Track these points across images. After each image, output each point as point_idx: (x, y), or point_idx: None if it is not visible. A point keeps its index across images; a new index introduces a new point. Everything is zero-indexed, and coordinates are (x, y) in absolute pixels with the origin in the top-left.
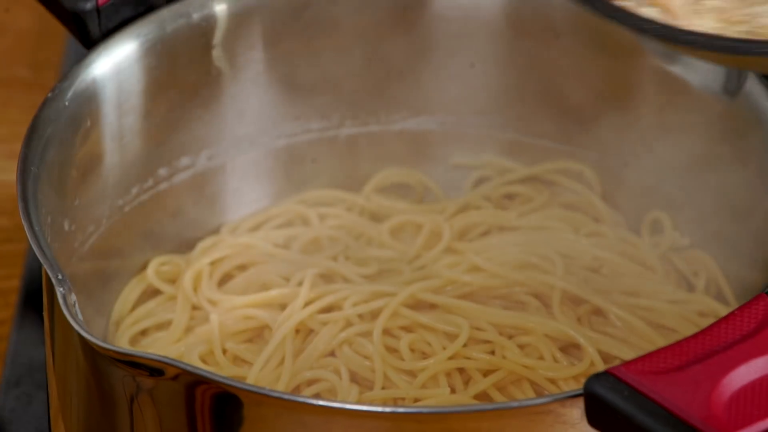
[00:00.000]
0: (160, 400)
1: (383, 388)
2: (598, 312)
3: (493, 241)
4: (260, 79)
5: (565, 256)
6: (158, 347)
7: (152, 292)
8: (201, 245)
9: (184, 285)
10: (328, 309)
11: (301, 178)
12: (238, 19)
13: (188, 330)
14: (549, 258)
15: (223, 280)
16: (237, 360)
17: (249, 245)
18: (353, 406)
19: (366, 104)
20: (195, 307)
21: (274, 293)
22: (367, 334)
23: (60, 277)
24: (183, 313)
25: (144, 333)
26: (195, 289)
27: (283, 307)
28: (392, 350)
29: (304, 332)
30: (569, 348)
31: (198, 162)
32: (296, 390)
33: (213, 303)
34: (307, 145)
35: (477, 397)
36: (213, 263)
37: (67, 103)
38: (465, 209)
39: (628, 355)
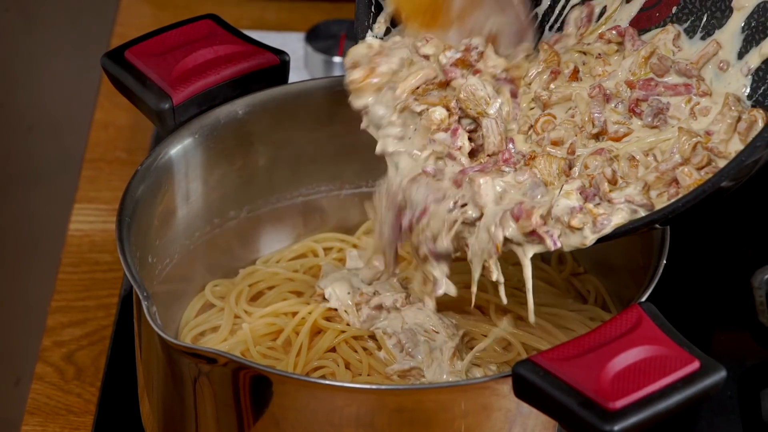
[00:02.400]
0: (214, 380)
1: (368, 374)
2: (520, 318)
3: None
4: (286, 156)
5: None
6: (212, 344)
7: (209, 306)
8: (242, 272)
9: (229, 300)
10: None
11: (313, 226)
12: (269, 116)
13: (232, 332)
14: (483, 281)
15: (256, 297)
16: (264, 356)
17: (275, 273)
18: (349, 384)
19: (359, 173)
20: (236, 316)
21: (285, 303)
22: (358, 337)
23: (145, 294)
24: (228, 320)
25: (202, 334)
26: (237, 303)
27: (293, 314)
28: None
29: (312, 333)
30: (503, 343)
31: (241, 214)
32: (308, 374)
33: (248, 313)
34: (318, 202)
35: None
36: (251, 285)
37: (151, 174)
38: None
39: (543, 347)
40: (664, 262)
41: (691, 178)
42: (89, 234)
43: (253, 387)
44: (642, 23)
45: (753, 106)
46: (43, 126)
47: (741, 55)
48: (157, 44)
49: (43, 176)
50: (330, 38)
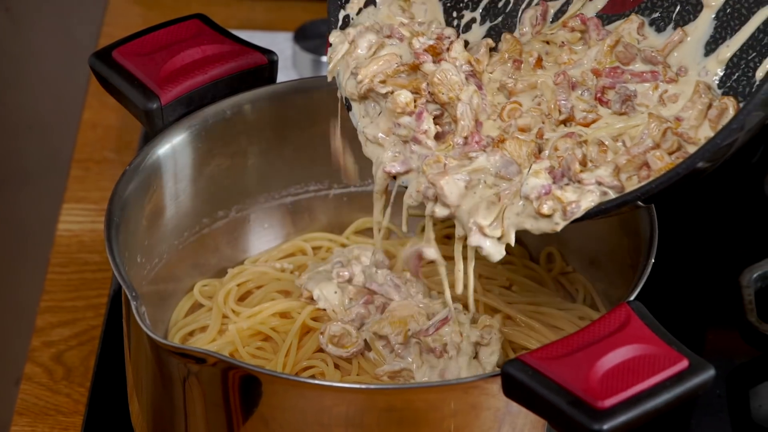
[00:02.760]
0: (204, 380)
1: (357, 374)
2: (508, 317)
3: (436, 267)
4: (273, 155)
5: (487, 278)
6: (200, 344)
7: (198, 306)
8: (231, 272)
9: (217, 300)
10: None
11: (302, 225)
12: (258, 115)
13: (221, 332)
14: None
15: (244, 296)
16: (253, 356)
17: (263, 272)
18: (338, 383)
19: (347, 173)
20: (224, 316)
21: (273, 303)
22: None
23: (134, 294)
24: (216, 320)
25: (191, 334)
26: (225, 303)
27: (282, 314)
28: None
29: (301, 334)
30: None
31: (230, 214)
32: (297, 374)
33: (236, 313)
34: (307, 201)
35: None
36: (239, 285)
37: (139, 174)
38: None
39: (531, 346)
40: (653, 261)
41: (662, 162)
42: (78, 234)
43: (243, 387)
44: (617, 8)
45: (725, 94)
46: (31, 126)
47: (709, 47)
48: (145, 44)
49: (31, 176)
50: (318, 38)
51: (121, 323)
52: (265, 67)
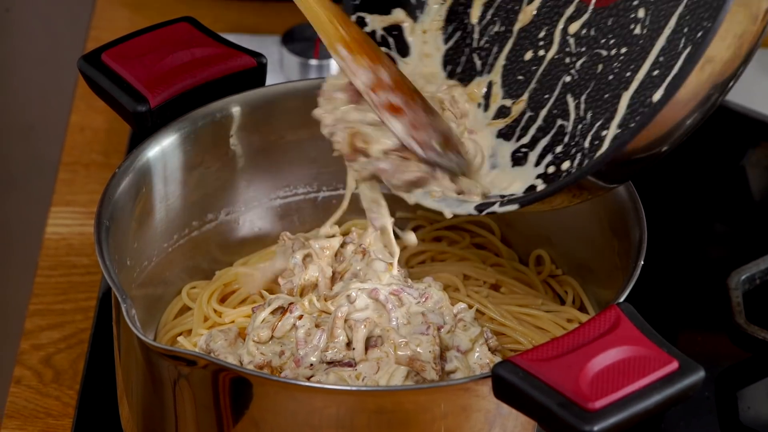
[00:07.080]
0: (194, 382)
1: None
2: (494, 319)
3: (426, 268)
4: (262, 158)
5: (475, 279)
6: (187, 346)
7: (187, 308)
8: (218, 273)
9: (201, 300)
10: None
11: (291, 228)
12: (247, 118)
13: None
14: (453, 282)
15: (226, 296)
16: None
17: (247, 273)
18: (329, 385)
19: (336, 176)
20: (206, 318)
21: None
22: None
23: (124, 297)
24: (198, 321)
25: (180, 335)
26: (208, 303)
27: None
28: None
29: None
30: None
31: (219, 216)
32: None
33: (217, 313)
34: (295, 204)
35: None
36: (225, 285)
37: (128, 177)
38: (407, 246)
39: (521, 348)
40: (642, 263)
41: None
42: (66, 237)
43: (233, 389)
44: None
45: None
46: (18, 130)
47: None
48: (135, 47)
49: (19, 180)
50: (305, 41)
51: (110, 326)
52: (254, 70)
